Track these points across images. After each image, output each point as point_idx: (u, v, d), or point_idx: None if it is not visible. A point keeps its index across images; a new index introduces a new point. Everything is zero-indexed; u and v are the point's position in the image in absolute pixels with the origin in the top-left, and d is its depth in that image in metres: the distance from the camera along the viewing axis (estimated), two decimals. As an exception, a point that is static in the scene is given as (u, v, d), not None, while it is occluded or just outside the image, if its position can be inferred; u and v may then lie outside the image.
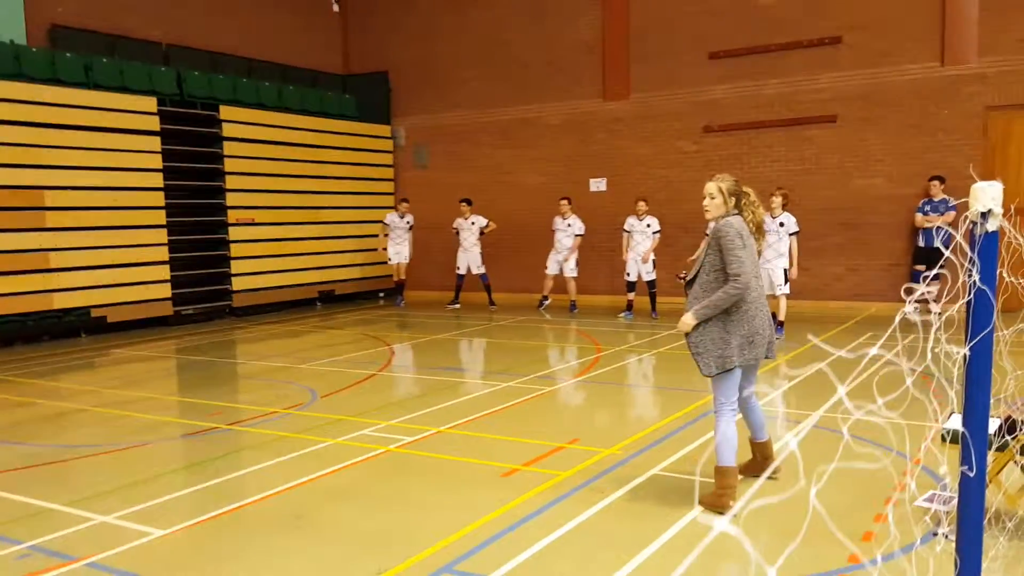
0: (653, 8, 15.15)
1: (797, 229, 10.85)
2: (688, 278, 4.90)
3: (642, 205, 13.14)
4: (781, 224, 10.78)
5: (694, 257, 5.25)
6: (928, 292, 2.02)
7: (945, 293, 2.13)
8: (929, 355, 2.06)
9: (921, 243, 12.69)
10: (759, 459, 5.19)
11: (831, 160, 13.77)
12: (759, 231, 4.87)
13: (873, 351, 1.75)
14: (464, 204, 15.32)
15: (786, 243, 10.81)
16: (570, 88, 16.11)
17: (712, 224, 4.85)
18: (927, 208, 12.59)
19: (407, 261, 16.03)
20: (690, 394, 7.91)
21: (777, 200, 10.89)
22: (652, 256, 13.19)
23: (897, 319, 1.96)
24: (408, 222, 15.82)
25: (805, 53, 13.90)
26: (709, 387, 4.82)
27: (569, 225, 14.40)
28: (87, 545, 4.36)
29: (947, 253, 2.21)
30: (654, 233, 13.10)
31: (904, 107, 13.25)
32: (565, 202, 14.44)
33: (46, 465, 6.02)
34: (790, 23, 13.94)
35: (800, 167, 14.09)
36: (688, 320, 4.69)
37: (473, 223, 15.29)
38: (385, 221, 16.00)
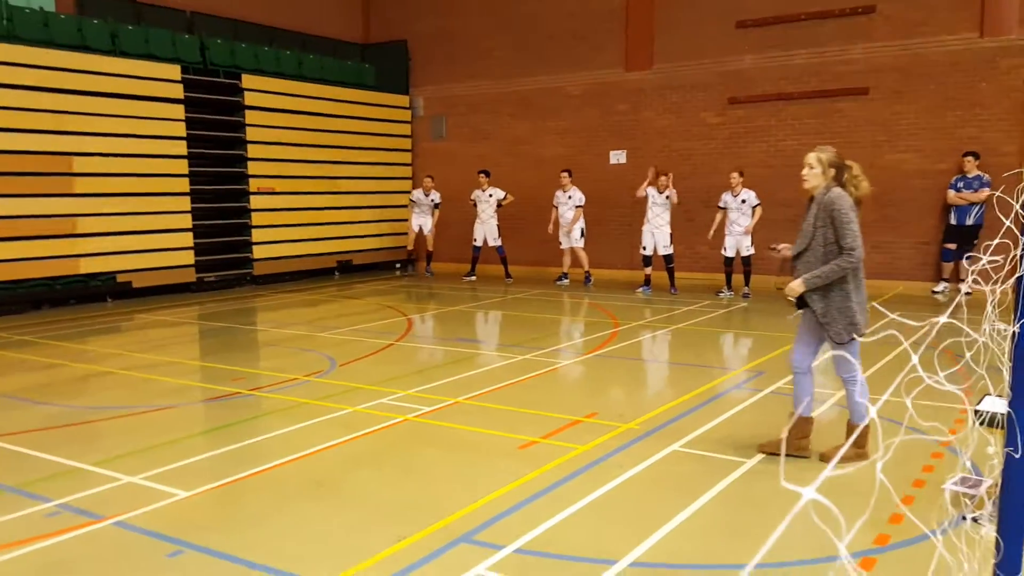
0: (679, -24, 14.91)
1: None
2: (795, 252, 4.99)
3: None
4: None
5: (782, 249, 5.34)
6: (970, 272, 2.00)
7: (971, 272, 2.10)
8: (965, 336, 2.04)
9: (953, 221, 12.51)
10: (794, 436, 5.13)
11: (862, 134, 13.53)
12: (861, 204, 4.92)
13: (943, 319, 1.74)
14: (482, 176, 15.29)
15: None
16: (592, 58, 15.94)
17: (817, 196, 4.93)
18: (960, 185, 12.39)
19: (430, 232, 16.10)
20: (710, 371, 7.91)
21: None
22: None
23: (960, 295, 1.95)
24: (433, 200, 15.86)
25: (837, 22, 13.62)
26: (837, 357, 4.97)
27: (570, 197, 14.34)
28: (114, 504, 4.45)
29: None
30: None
31: (939, 80, 12.95)
32: (566, 175, 14.39)
33: (74, 425, 6.13)
34: (822, -9, 13.66)
35: (829, 140, 13.83)
36: (796, 286, 4.88)
37: (491, 195, 15.27)
38: (412, 198, 16.08)
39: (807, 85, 13.96)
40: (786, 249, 5.37)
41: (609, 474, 4.85)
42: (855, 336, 4.84)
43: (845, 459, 4.87)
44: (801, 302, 5.02)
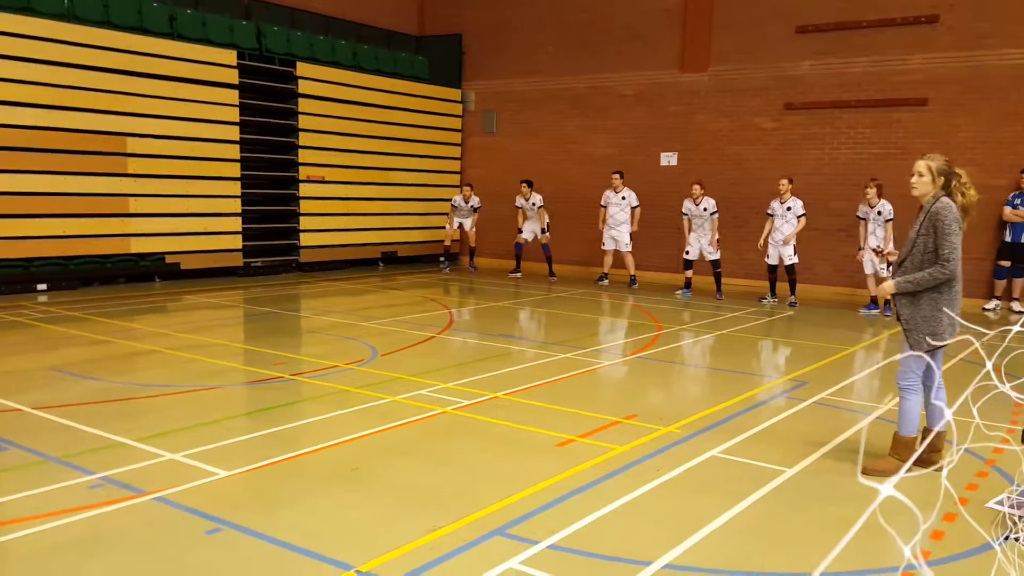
0: (739, -22, 14.71)
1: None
2: (900, 259, 4.98)
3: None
4: (879, 212, 11.46)
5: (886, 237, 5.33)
6: None
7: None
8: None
9: (1008, 238, 12.19)
10: (929, 450, 5.03)
11: (918, 145, 13.18)
12: (967, 213, 4.87)
13: (1016, 328, 1.68)
14: (524, 186, 15.23)
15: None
16: (646, 58, 15.80)
17: (927, 204, 4.88)
18: (1016, 201, 12.07)
19: (471, 230, 16.15)
20: (751, 378, 7.79)
21: (872, 191, 11.46)
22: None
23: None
24: (472, 205, 15.93)
25: (899, 31, 13.34)
26: (903, 361, 4.90)
27: (623, 198, 14.22)
28: (155, 480, 4.51)
29: None
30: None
31: (1000, 94, 12.63)
32: (617, 176, 14.27)
33: (119, 401, 6.24)
34: None
35: (884, 151, 13.60)
36: (888, 287, 4.90)
37: (534, 204, 15.24)
38: (452, 203, 16.17)
39: (864, 93, 13.69)
40: (892, 255, 5.38)
41: (646, 476, 4.79)
42: (934, 347, 4.79)
43: (885, 473, 4.78)
44: (899, 315, 5.02)
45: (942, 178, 4.86)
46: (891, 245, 11.02)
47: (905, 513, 1.93)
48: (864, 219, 11.70)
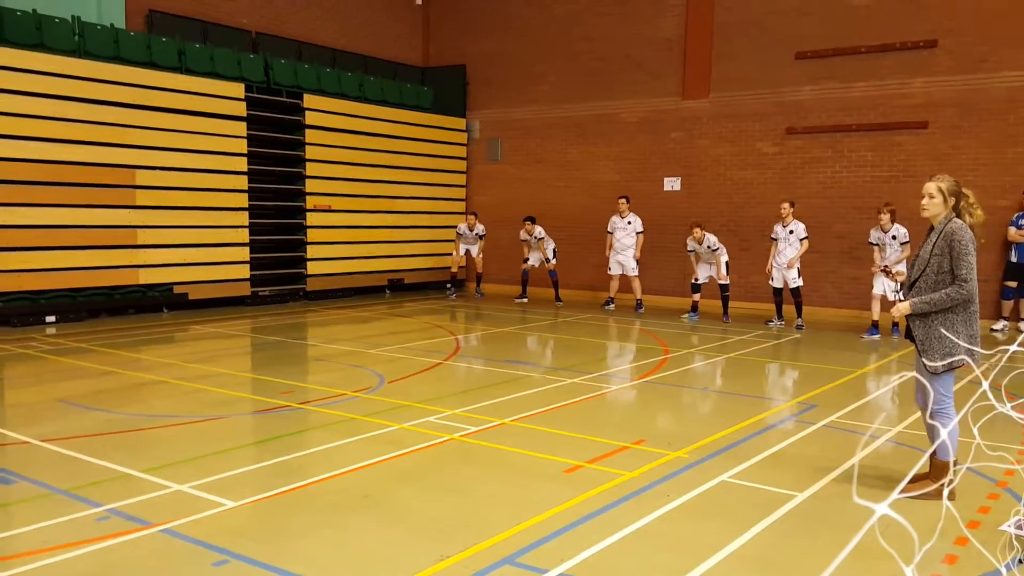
0: (740, 5, 14.86)
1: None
2: (911, 280, 4.98)
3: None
4: (894, 237, 11.40)
5: (898, 259, 5.30)
6: None
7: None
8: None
9: (1013, 258, 12.20)
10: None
11: (920, 168, 13.27)
12: (975, 233, 4.89)
13: (1014, 347, 1.68)
14: (528, 223, 15.30)
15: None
16: (648, 85, 15.94)
17: (938, 225, 4.90)
18: (1021, 222, 12.09)
19: (478, 256, 16.24)
20: (762, 402, 7.77)
21: (885, 216, 11.36)
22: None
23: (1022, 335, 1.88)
24: (477, 233, 16.02)
25: (898, 56, 13.44)
26: (930, 385, 4.84)
27: (629, 223, 14.28)
28: (162, 512, 4.51)
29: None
30: (801, 240, 12.24)
31: (1000, 115, 12.70)
32: (623, 201, 14.33)
33: (126, 432, 6.25)
34: (883, 24, 13.50)
35: (887, 174, 13.65)
36: (903, 308, 4.89)
37: (538, 238, 15.30)
38: (458, 231, 16.26)
39: (865, 117, 13.77)
40: (901, 275, 5.36)
41: (656, 502, 4.76)
42: (950, 368, 4.77)
43: (927, 497, 4.72)
44: (908, 333, 5.02)
45: (953, 199, 4.89)
46: (902, 265, 10.95)
47: (923, 539, 1.92)
48: (877, 245, 11.61)
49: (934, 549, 4.07)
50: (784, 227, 12.33)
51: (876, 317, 11.74)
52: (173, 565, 3.87)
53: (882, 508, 1.23)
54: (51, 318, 11.77)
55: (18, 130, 11.19)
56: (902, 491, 4.85)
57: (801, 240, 12.26)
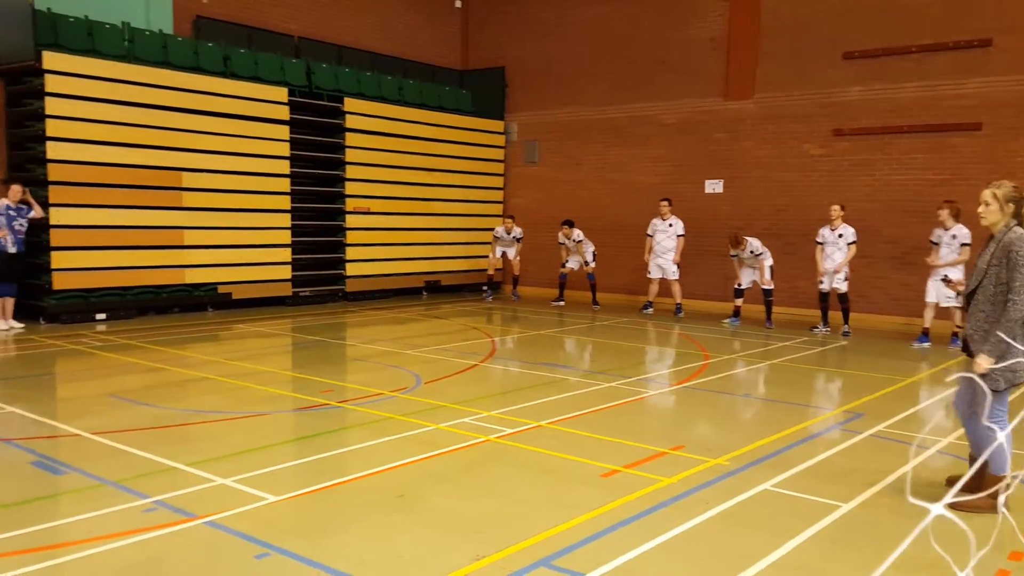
0: (785, 5, 14.66)
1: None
2: (969, 290, 4.86)
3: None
4: (954, 236, 10.97)
5: (955, 262, 5.13)
6: None
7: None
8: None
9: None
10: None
11: (973, 171, 12.94)
12: None
13: None
14: (566, 227, 15.26)
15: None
16: (690, 87, 15.81)
17: (998, 234, 4.78)
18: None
19: (515, 259, 16.27)
20: (805, 410, 7.66)
21: (944, 212, 10.96)
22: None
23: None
24: (515, 236, 16.05)
25: (951, 55, 13.13)
26: (986, 399, 4.77)
27: (671, 226, 14.17)
28: (207, 504, 4.59)
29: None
30: (849, 244, 11.99)
31: (1058, 117, 12.35)
32: (665, 203, 14.21)
33: (173, 427, 6.37)
34: (934, 23, 13.21)
35: (938, 177, 13.34)
36: (983, 363, 4.64)
37: (577, 240, 15.25)
38: (495, 234, 16.30)
39: (916, 119, 13.49)
40: (961, 284, 5.21)
41: (695, 509, 4.71)
42: (1015, 383, 4.67)
43: (978, 509, 4.57)
44: (966, 346, 4.90)
45: (1011, 205, 4.70)
46: (960, 273, 10.52)
47: (975, 549, 1.88)
48: (937, 244, 11.18)
49: (986, 562, 3.97)
50: (832, 231, 12.13)
51: (928, 325, 11.35)
52: (217, 556, 3.94)
53: (938, 508, 1.22)
54: (101, 316, 12.05)
55: (70, 133, 11.49)
56: (953, 505, 4.74)
57: (849, 244, 12.05)
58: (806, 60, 14.45)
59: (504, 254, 16.42)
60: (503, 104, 18.53)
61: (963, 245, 10.90)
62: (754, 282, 13.24)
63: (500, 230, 16.25)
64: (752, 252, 12.85)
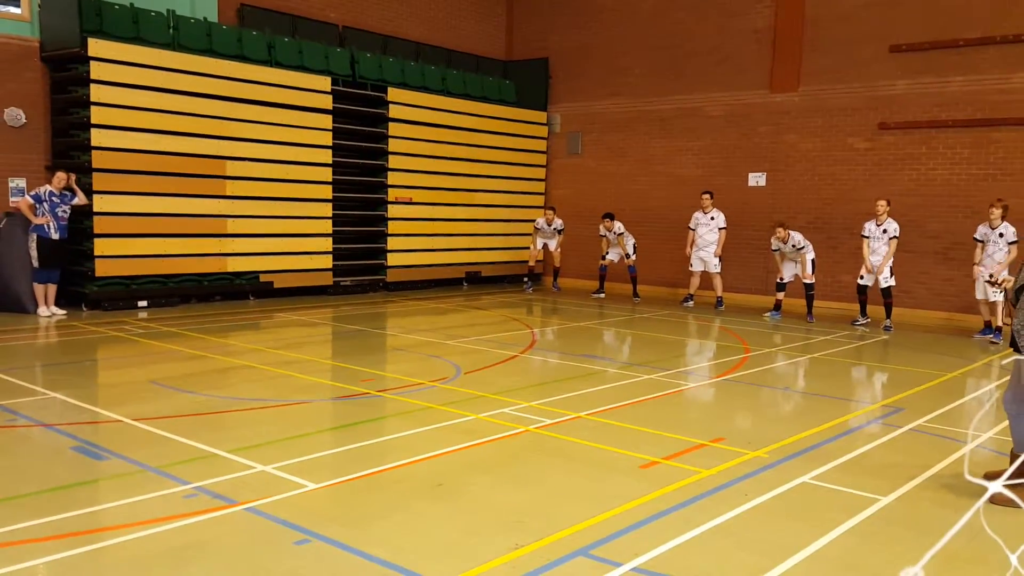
0: (832, -3, 14.42)
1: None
2: (1017, 285, 4.80)
3: (882, 204, 11.91)
4: (1000, 235, 11.01)
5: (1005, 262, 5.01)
6: None
7: None
8: None
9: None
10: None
11: (1019, 166, 12.64)
12: None
13: None
14: (607, 219, 15.18)
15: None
16: (735, 79, 15.60)
17: None
18: None
19: (556, 251, 16.23)
20: (846, 403, 7.54)
21: (996, 212, 10.98)
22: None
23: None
24: (555, 227, 16.01)
25: (998, 49, 12.82)
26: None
27: (712, 219, 14.03)
28: (247, 491, 4.65)
29: None
30: (891, 239, 11.85)
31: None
32: (707, 196, 14.07)
33: (213, 414, 6.47)
34: (982, 16, 12.90)
35: (983, 171, 13.04)
36: None
37: (617, 233, 15.16)
38: (536, 225, 16.28)
39: (962, 113, 13.18)
40: (1007, 281, 5.11)
41: (734, 501, 4.67)
42: None
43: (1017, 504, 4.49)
44: (1013, 342, 4.81)
45: None
46: (1006, 271, 10.48)
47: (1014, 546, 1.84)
48: (982, 241, 11.17)
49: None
50: (878, 225, 11.92)
51: (987, 317, 11.35)
52: (257, 542, 3.99)
53: (996, 486, 1.19)
54: (143, 303, 12.26)
55: (115, 120, 11.67)
56: (994, 500, 4.63)
57: (891, 239, 11.84)
58: (852, 53, 14.18)
59: (545, 246, 16.39)
60: (547, 95, 18.45)
61: (1010, 243, 10.84)
62: (796, 276, 13.07)
63: (541, 221, 16.22)
64: (794, 246, 12.69)
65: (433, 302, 14.36)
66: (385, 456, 5.46)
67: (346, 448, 5.63)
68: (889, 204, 11.96)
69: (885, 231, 11.86)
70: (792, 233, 12.68)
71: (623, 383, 7.94)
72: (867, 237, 12.06)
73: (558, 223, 16.10)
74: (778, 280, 13.22)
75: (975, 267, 11.27)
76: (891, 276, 11.96)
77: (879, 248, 11.90)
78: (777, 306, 13.21)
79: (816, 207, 14.64)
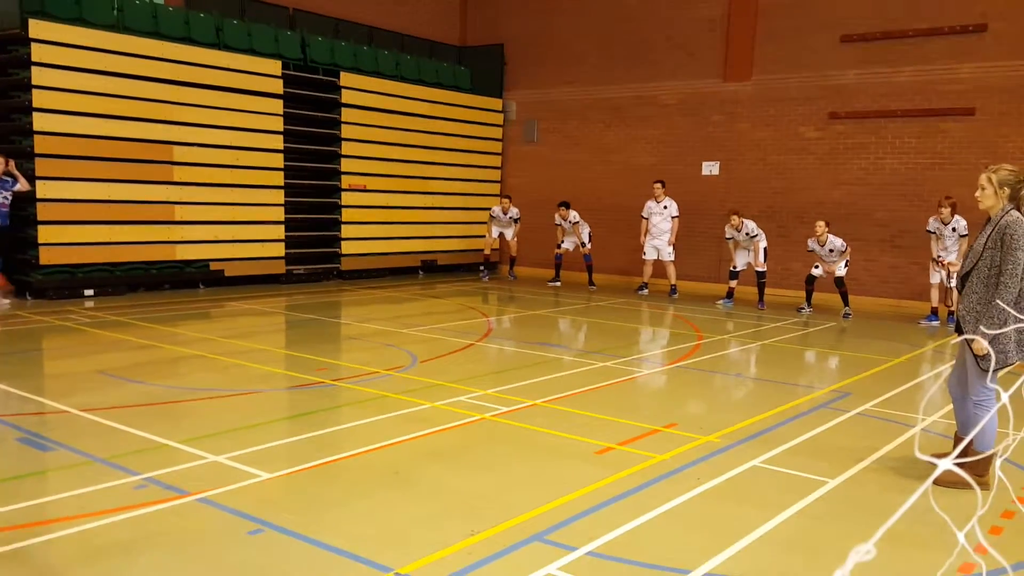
0: (784, -13, 14.60)
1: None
2: (964, 271, 4.88)
3: (821, 226, 11.99)
4: (953, 229, 11.17)
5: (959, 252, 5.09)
6: None
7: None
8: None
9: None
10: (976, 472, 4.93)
11: (965, 156, 12.97)
12: None
13: None
14: (562, 208, 15.23)
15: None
16: (688, 67, 15.73)
17: (995, 217, 4.79)
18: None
19: (512, 240, 16.25)
20: (795, 389, 7.69)
21: (946, 210, 11.14)
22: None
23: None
24: (511, 216, 16.01)
25: (946, 40, 13.12)
26: (972, 379, 4.81)
27: (665, 207, 14.16)
28: (199, 481, 4.57)
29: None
30: (841, 252, 12.07)
31: (1051, 103, 12.36)
32: (659, 185, 14.21)
33: (164, 404, 6.35)
34: (932, 8, 13.18)
35: (930, 161, 13.36)
36: (981, 346, 4.62)
37: (573, 222, 15.25)
38: (492, 214, 16.26)
39: (911, 103, 13.48)
40: (952, 266, 5.27)
41: (686, 485, 4.74)
42: (1006, 364, 4.71)
43: (964, 484, 4.63)
44: (959, 327, 4.94)
45: (1006, 190, 4.73)
46: (952, 256, 10.97)
47: (958, 525, 1.89)
48: (934, 233, 11.40)
49: (968, 536, 3.99)
50: (821, 246, 12.10)
51: (935, 304, 11.66)
52: (210, 533, 3.93)
53: (945, 463, 1.22)
54: (89, 291, 11.97)
55: (57, 104, 11.34)
56: (937, 481, 4.76)
57: (841, 253, 12.14)
58: (804, 42, 14.39)
59: (501, 235, 16.39)
60: (502, 82, 18.39)
61: (962, 236, 11.12)
62: (748, 264, 13.26)
63: (497, 210, 16.20)
64: (748, 234, 12.87)
65: (388, 291, 14.27)
66: (340, 445, 5.42)
67: (300, 438, 5.58)
68: (828, 226, 12.07)
69: (832, 250, 12.06)
70: (746, 221, 12.85)
71: (578, 371, 7.99)
72: (812, 251, 12.28)
73: (514, 211, 16.10)
74: (731, 268, 13.40)
75: (932, 261, 11.46)
76: (844, 268, 12.20)
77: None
78: (730, 294, 13.39)
79: (767, 196, 14.87)
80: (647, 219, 14.34)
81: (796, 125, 14.61)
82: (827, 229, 12.02)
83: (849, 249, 12.28)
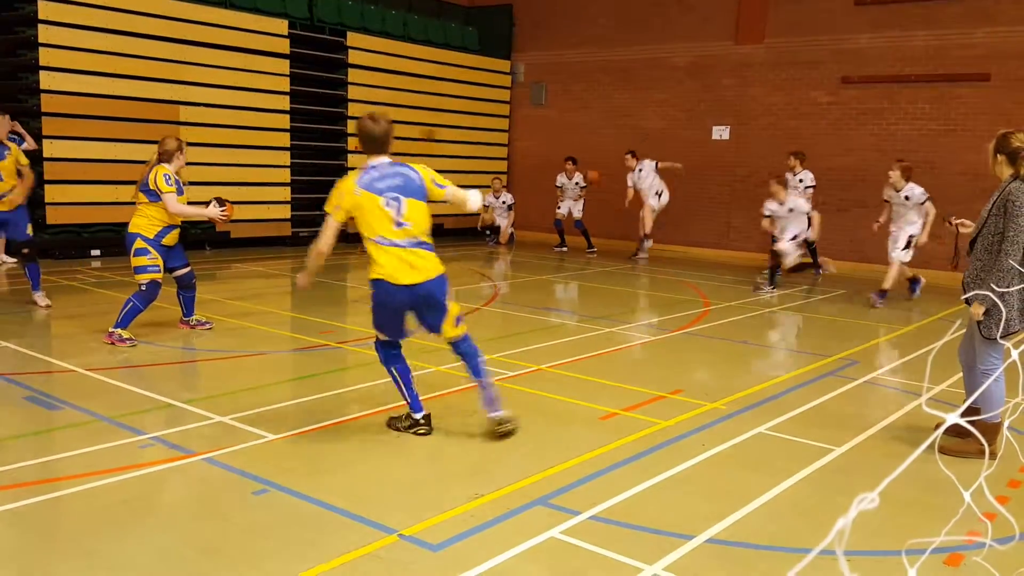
0: (798, -52, 14.30)
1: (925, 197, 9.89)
2: (972, 237, 4.88)
3: (895, 173, 10.11)
4: (907, 197, 9.90)
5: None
6: None
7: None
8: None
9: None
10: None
11: (979, 122, 12.77)
12: None
13: None
14: (569, 163, 15.09)
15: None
16: (699, 29, 15.48)
17: (1002, 184, 4.76)
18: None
19: (507, 230, 16.23)
20: (802, 356, 7.67)
21: (896, 173, 9.90)
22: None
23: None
24: (504, 202, 15.86)
25: (961, 4, 12.86)
26: (979, 347, 4.81)
27: (641, 171, 14.16)
28: (204, 441, 4.60)
29: None
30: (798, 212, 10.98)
31: (1068, 69, 12.15)
32: (630, 156, 14.15)
33: (170, 364, 6.37)
34: (947, -29, 12.91)
35: (944, 127, 13.17)
36: (977, 313, 4.70)
37: (577, 183, 15.13)
38: (485, 202, 16.05)
39: (925, 68, 13.25)
40: (962, 225, 5.24)
41: (691, 451, 4.74)
42: (1009, 332, 4.68)
43: (967, 454, 4.65)
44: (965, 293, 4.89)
45: (1002, 156, 4.70)
46: (926, 233, 9.94)
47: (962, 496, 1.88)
48: (887, 201, 10.24)
49: (976, 503, 3.98)
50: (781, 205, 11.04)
51: (887, 286, 10.31)
52: (215, 492, 3.96)
53: (953, 417, 1.21)
54: (96, 252, 11.97)
55: (62, 62, 11.25)
56: (942, 448, 4.75)
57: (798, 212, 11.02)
58: (818, 5, 14.12)
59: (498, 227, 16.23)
60: (510, 43, 18.14)
61: (919, 204, 9.92)
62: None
63: (489, 197, 15.78)
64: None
65: (394, 253, 14.19)
66: (345, 407, 5.43)
67: (305, 399, 5.59)
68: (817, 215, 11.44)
69: (792, 210, 10.96)
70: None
71: (583, 336, 7.98)
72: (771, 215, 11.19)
73: (507, 197, 15.87)
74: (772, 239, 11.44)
75: (876, 224, 10.49)
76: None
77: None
78: (772, 276, 11.28)
79: (779, 161, 14.66)
80: (632, 187, 14.33)
81: (808, 89, 14.40)
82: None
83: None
